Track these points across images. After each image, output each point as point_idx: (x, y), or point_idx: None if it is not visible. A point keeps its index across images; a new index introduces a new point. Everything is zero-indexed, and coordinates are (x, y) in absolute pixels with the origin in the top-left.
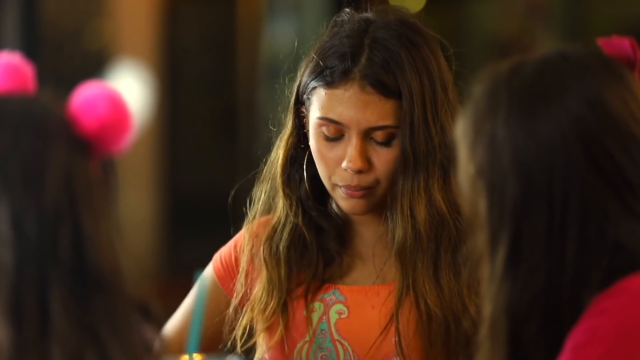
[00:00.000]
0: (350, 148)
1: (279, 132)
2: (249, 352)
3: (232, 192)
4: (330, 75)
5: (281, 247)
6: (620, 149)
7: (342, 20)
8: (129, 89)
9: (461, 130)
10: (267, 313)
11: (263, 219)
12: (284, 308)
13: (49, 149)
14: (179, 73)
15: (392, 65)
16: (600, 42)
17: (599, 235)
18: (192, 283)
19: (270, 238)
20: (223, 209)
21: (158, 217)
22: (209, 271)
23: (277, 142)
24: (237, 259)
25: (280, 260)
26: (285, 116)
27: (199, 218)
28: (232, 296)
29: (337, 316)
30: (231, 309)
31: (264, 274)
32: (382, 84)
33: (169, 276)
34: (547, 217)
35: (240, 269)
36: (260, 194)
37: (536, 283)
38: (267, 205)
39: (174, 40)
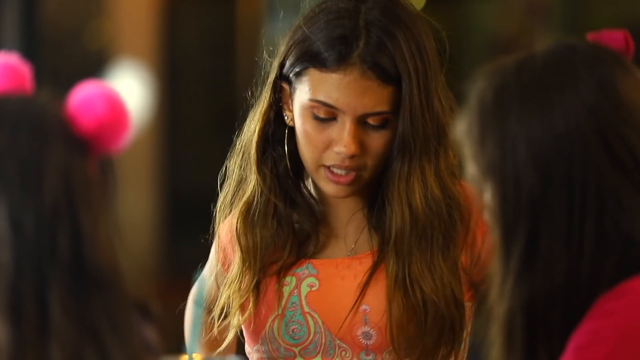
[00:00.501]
0: (344, 133)
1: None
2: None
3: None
4: (327, 58)
5: (255, 224)
6: (636, 136)
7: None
8: (129, 88)
9: (465, 129)
10: (241, 291)
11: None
12: (256, 285)
13: (47, 149)
14: (179, 73)
15: (391, 48)
16: (591, 36)
17: (614, 227)
18: (192, 283)
19: (244, 214)
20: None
21: (157, 217)
22: (200, 292)
23: (252, 115)
24: (220, 238)
25: (256, 236)
26: (261, 90)
27: (198, 218)
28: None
29: (308, 289)
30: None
31: (238, 252)
32: (382, 69)
33: (168, 276)
34: (567, 209)
35: (220, 254)
36: (233, 166)
37: (556, 277)
38: (240, 177)
39: (173, 40)
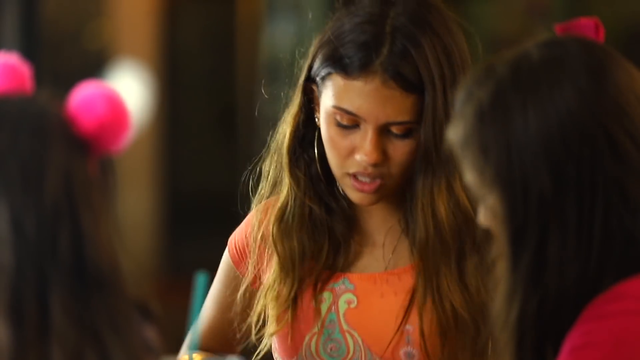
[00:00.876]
0: (366, 141)
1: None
2: (250, 351)
3: (229, 192)
4: (349, 64)
5: (292, 229)
6: (636, 125)
7: (360, 1)
8: (129, 89)
9: (462, 139)
10: (279, 301)
11: (272, 198)
12: (294, 298)
13: (47, 149)
14: (179, 73)
15: (415, 56)
16: (560, 27)
17: (619, 224)
18: (192, 284)
19: (279, 220)
20: (222, 209)
21: (157, 217)
22: (225, 257)
23: (284, 116)
24: (248, 241)
25: (293, 241)
26: (293, 92)
27: (198, 218)
28: (242, 272)
29: (346, 306)
30: (240, 292)
31: (275, 259)
32: (404, 79)
33: (168, 276)
34: (577, 209)
35: (251, 250)
36: (268, 167)
37: (567, 279)
38: (275, 180)
39: (173, 41)
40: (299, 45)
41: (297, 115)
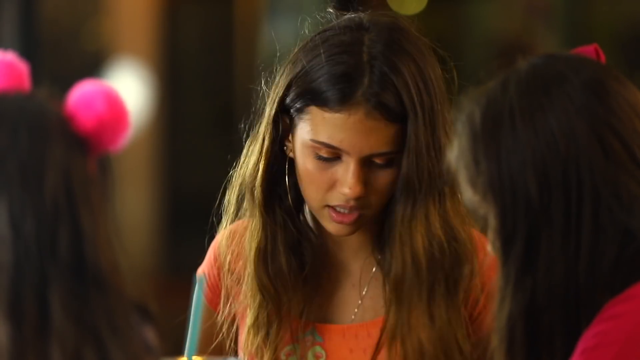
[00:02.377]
0: (348, 174)
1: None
2: None
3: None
4: (329, 97)
5: (274, 264)
6: (626, 128)
7: (331, 27)
8: (128, 88)
9: (457, 154)
10: (275, 340)
11: (234, 226)
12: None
13: (47, 147)
14: (178, 73)
15: (396, 84)
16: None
17: (610, 219)
18: (191, 284)
19: (260, 260)
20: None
21: (157, 217)
22: (199, 295)
23: (251, 149)
24: (217, 265)
25: (287, 286)
26: (260, 123)
27: (197, 218)
28: (215, 307)
29: None
30: (219, 318)
31: (259, 301)
32: (388, 108)
33: (167, 276)
34: (564, 208)
35: (222, 284)
36: (231, 198)
37: (555, 278)
38: (237, 211)
39: (172, 40)
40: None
41: (269, 150)
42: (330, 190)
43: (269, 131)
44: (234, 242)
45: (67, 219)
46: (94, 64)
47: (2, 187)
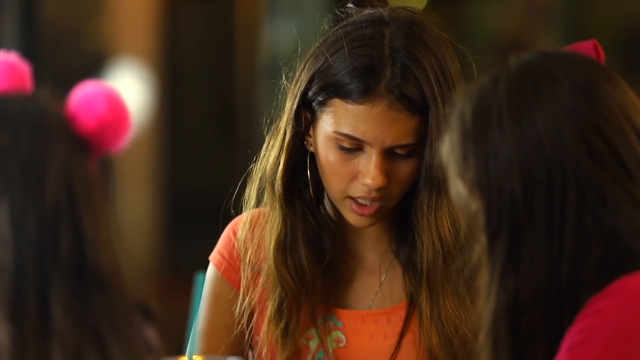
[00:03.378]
0: (371, 165)
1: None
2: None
3: (230, 193)
4: (353, 90)
5: (294, 256)
6: (614, 131)
7: (352, 22)
8: (128, 88)
9: (448, 149)
10: (287, 338)
11: (253, 217)
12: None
13: (48, 148)
14: (178, 73)
15: (418, 77)
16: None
17: (595, 220)
18: (192, 283)
19: (279, 251)
20: (222, 209)
21: (157, 217)
22: (211, 271)
23: (271, 143)
24: (237, 248)
25: (307, 278)
26: (280, 118)
27: (198, 218)
28: (238, 288)
29: (335, 344)
30: (238, 309)
31: (278, 292)
32: (410, 100)
33: (168, 276)
34: (547, 208)
35: (242, 275)
36: (251, 192)
37: (538, 277)
38: (257, 204)
39: (173, 40)
40: (298, 46)
41: (290, 143)
42: (353, 182)
43: (290, 125)
44: (254, 234)
45: (68, 219)
46: (94, 64)
47: (3, 188)
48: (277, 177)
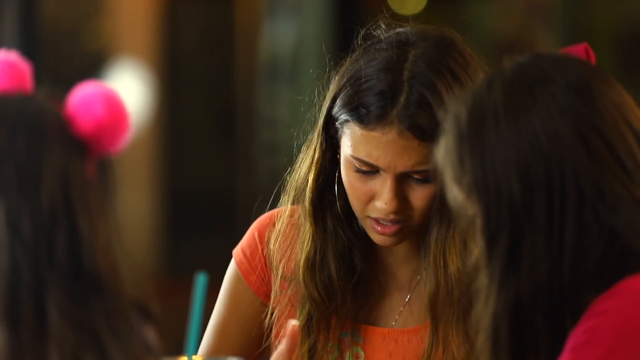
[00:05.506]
0: (385, 189)
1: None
2: None
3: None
4: (366, 114)
5: (323, 271)
6: (611, 129)
7: (378, 41)
8: (128, 89)
9: (443, 154)
10: (328, 346)
11: (283, 226)
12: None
13: (45, 150)
14: (178, 73)
15: (432, 104)
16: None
17: (595, 219)
18: (191, 284)
19: (309, 268)
20: (221, 209)
21: (157, 217)
22: (232, 268)
23: (303, 156)
24: (262, 250)
25: (336, 293)
26: (313, 130)
27: (197, 218)
28: (257, 291)
29: None
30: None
31: (307, 308)
32: (421, 129)
33: (168, 276)
34: (547, 207)
35: (274, 276)
36: (286, 203)
37: (539, 277)
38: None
39: (172, 41)
40: (298, 46)
41: (320, 159)
42: (370, 203)
43: (319, 141)
44: (285, 244)
45: (64, 222)
46: (94, 65)
47: None
48: (306, 192)
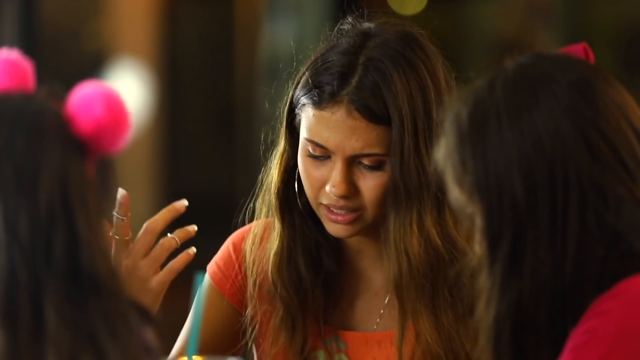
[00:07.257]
0: (335, 172)
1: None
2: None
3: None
4: (318, 95)
5: (292, 270)
6: (613, 130)
7: (342, 31)
8: (128, 88)
9: (444, 154)
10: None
11: (259, 230)
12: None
13: (43, 150)
14: (178, 73)
15: (383, 89)
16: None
17: (597, 220)
18: (192, 284)
19: (277, 265)
20: (221, 209)
21: None
22: (205, 281)
23: (272, 155)
24: (237, 261)
25: (306, 289)
26: (279, 129)
27: (197, 218)
28: (230, 298)
29: None
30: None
31: (281, 311)
32: (370, 110)
33: None
34: (550, 209)
35: (249, 281)
36: (260, 205)
37: (541, 279)
38: (267, 216)
39: (172, 41)
40: (298, 46)
41: (284, 153)
42: (322, 189)
43: (282, 133)
44: (260, 248)
45: (62, 223)
46: (94, 65)
47: None
48: (272, 186)
